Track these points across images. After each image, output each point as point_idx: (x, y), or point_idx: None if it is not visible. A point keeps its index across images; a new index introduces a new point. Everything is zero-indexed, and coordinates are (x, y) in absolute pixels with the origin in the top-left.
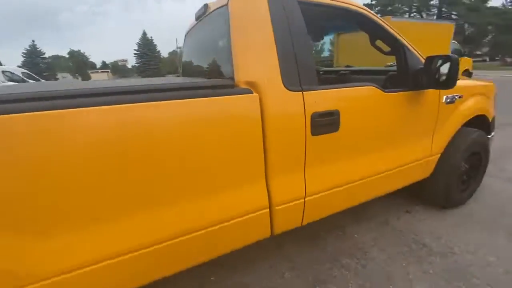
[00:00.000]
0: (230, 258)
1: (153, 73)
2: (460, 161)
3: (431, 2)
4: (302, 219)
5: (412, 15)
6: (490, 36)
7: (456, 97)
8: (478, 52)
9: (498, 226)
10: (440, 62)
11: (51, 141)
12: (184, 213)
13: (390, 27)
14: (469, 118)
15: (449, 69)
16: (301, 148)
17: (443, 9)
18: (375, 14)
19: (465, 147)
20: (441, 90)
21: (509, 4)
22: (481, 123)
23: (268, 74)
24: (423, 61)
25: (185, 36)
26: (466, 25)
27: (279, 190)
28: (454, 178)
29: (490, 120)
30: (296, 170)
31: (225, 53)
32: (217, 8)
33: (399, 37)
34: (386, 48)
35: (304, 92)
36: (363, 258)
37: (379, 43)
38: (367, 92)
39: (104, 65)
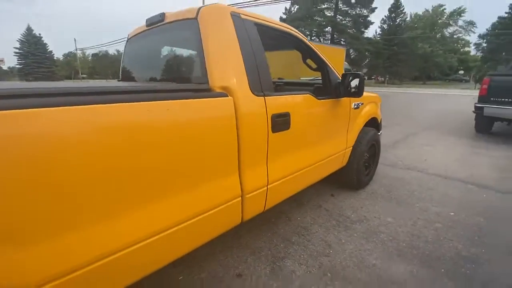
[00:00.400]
0: (193, 256)
1: (44, 76)
2: (364, 151)
3: (326, 29)
4: (265, 205)
5: (312, 38)
6: (367, 60)
7: (360, 104)
8: (360, 72)
9: (390, 198)
10: (351, 78)
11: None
12: (171, 207)
13: (318, 51)
14: (367, 120)
15: (358, 83)
16: (265, 143)
17: (334, 35)
18: (308, 40)
19: (366, 141)
20: (351, 98)
21: (378, 36)
22: (373, 124)
23: (238, 81)
24: (339, 77)
25: (128, 39)
26: (351, 50)
27: (249, 180)
28: (361, 165)
29: (379, 121)
30: (261, 162)
31: (197, 61)
32: (183, 19)
33: (324, 58)
34: (313, 66)
35: (265, 97)
36: (307, 234)
37: (309, 61)
38: (307, 98)
39: None
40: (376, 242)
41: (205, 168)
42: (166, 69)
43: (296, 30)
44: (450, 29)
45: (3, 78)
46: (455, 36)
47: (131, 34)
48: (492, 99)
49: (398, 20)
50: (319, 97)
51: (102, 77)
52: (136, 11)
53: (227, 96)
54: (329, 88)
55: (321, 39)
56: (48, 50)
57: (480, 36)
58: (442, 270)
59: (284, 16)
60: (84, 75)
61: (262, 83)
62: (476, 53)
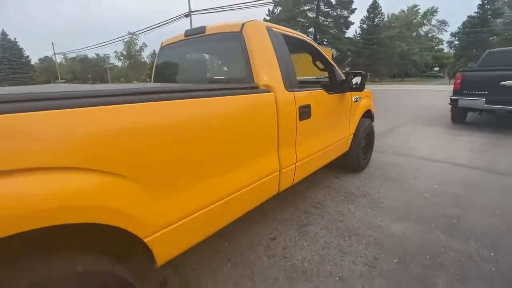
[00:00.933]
0: (232, 230)
1: (21, 82)
2: (362, 138)
3: (309, 30)
4: (293, 179)
5: None
6: (349, 59)
7: (358, 98)
8: (362, 71)
9: (385, 178)
10: (353, 76)
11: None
12: (236, 177)
13: (325, 54)
14: (364, 111)
15: (360, 80)
16: (294, 128)
17: (317, 35)
18: (318, 45)
19: (363, 129)
20: (352, 92)
21: (358, 35)
22: (368, 115)
23: (276, 80)
24: (342, 75)
25: (162, 47)
26: (334, 50)
27: (284, 158)
28: (360, 150)
29: (372, 113)
30: (292, 144)
31: (243, 65)
32: (228, 32)
33: (330, 61)
34: (321, 66)
35: (294, 92)
36: (322, 207)
37: (318, 63)
38: (321, 93)
39: None
40: (379, 209)
41: (256, 146)
42: (212, 71)
43: (308, 37)
44: (425, 28)
45: None
46: (429, 35)
47: (165, 42)
48: (464, 92)
49: (376, 20)
50: (329, 92)
51: (81, 82)
52: (112, 14)
53: (270, 92)
54: (335, 85)
55: None
56: (25, 55)
57: (452, 34)
58: (432, 225)
59: (268, 18)
60: (63, 80)
61: (291, 81)
62: (449, 50)
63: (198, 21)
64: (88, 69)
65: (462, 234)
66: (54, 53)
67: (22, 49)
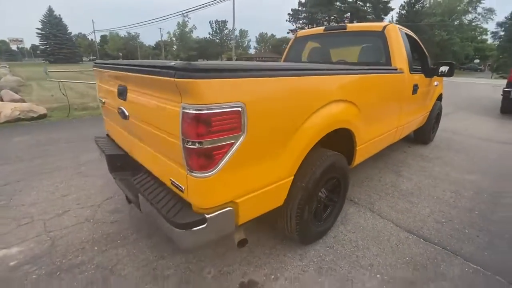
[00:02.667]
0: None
1: (66, 58)
2: (434, 116)
3: (345, 15)
4: (400, 136)
5: (331, 23)
6: None
7: (437, 83)
8: (452, 62)
9: (451, 149)
10: (441, 65)
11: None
12: (386, 124)
13: (422, 46)
14: (439, 94)
15: (449, 68)
16: (409, 99)
17: (354, 22)
18: (419, 41)
19: (436, 108)
20: (433, 78)
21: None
22: (439, 98)
23: (405, 65)
24: (430, 62)
25: (296, 37)
26: None
27: (399, 119)
28: (432, 124)
29: (441, 96)
30: (410, 112)
31: (383, 54)
32: (372, 31)
33: (425, 52)
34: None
35: (412, 74)
36: (406, 163)
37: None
38: (422, 76)
39: None
40: (452, 166)
41: (394, 107)
42: (351, 57)
43: (416, 37)
44: (469, 16)
45: (27, 57)
46: (473, 24)
47: (300, 33)
48: None
49: (417, 6)
50: (426, 76)
51: (111, 59)
52: None
53: (403, 73)
54: (429, 71)
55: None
56: (68, 31)
57: (498, 24)
58: (492, 176)
59: (303, 0)
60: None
61: (410, 67)
62: (493, 41)
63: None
64: (131, 47)
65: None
66: (94, 31)
67: (66, 25)
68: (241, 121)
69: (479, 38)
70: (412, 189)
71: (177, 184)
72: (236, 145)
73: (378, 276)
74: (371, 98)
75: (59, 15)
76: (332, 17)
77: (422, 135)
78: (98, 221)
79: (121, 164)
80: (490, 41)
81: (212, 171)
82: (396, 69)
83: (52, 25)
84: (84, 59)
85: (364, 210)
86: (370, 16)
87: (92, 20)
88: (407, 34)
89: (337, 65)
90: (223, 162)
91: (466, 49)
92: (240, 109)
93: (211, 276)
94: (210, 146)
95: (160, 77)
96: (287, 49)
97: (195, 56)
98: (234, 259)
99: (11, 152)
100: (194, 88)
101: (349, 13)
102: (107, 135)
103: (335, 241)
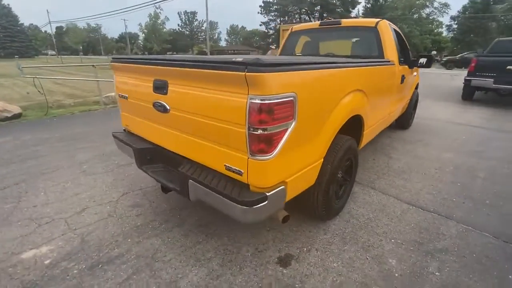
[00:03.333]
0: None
1: (20, 52)
2: (413, 104)
3: (316, 8)
4: (391, 120)
5: (301, 17)
6: None
7: (415, 74)
8: (431, 54)
9: (425, 132)
10: (420, 57)
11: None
12: (386, 108)
13: (405, 40)
14: (417, 83)
15: (427, 60)
16: (397, 88)
17: (324, 14)
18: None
19: (415, 96)
20: (415, 68)
21: (362, 15)
22: (417, 87)
23: (395, 58)
24: (411, 55)
25: (292, 32)
26: None
27: (391, 106)
28: (411, 111)
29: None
30: (394, 98)
31: (376, 48)
32: (365, 26)
33: (407, 45)
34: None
35: (401, 66)
36: (393, 146)
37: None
38: (407, 68)
39: None
40: (431, 147)
41: (389, 94)
42: (345, 51)
43: (399, 30)
44: (427, 10)
45: None
46: (430, 18)
47: (295, 28)
48: (477, 73)
49: (381, 0)
50: (410, 67)
51: (70, 53)
52: None
53: (394, 64)
54: (411, 62)
55: (311, 18)
56: (19, 23)
57: (452, 18)
58: (466, 154)
59: None
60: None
61: (399, 59)
62: (447, 34)
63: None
64: (92, 39)
65: (485, 157)
66: (50, 22)
67: (17, 16)
68: (294, 109)
69: (435, 31)
70: (403, 168)
71: (234, 169)
72: (289, 131)
73: (392, 240)
74: (375, 87)
75: (8, 4)
76: (303, 10)
77: (403, 121)
78: (122, 215)
79: (151, 157)
80: (445, 33)
81: (271, 154)
82: (389, 61)
83: (1, 16)
84: (50, 53)
85: (367, 188)
86: (339, 10)
87: (47, 10)
88: (394, 29)
89: (354, 58)
90: (279, 146)
91: (424, 42)
92: (293, 98)
93: (250, 254)
94: (271, 132)
95: (229, 72)
96: (283, 43)
97: (170, 49)
98: (266, 238)
99: None
100: (261, 80)
101: (319, 6)
102: (125, 130)
103: (350, 216)
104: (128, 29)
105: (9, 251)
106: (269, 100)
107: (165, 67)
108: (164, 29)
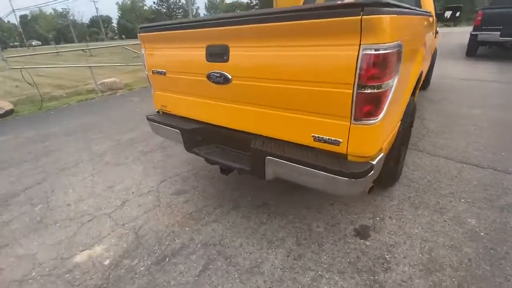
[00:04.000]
0: None
1: None
2: (435, 58)
3: None
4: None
5: None
6: None
7: (438, 30)
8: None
9: (444, 91)
10: (446, 11)
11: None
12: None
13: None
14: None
15: (452, 14)
16: (432, 43)
17: None
18: None
19: (435, 53)
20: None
21: None
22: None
23: (432, 9)
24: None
25: None
26: None
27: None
28: (433, 67)
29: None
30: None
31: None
32: None
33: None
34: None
35: (434, 17)
36: (420, 104)
37: None
38: (436, 21)
39: None
40: (457, 105)
41: (427, 52)
42: None
43: None
44: None
45: None
46: None
47: None
48: (484, 27)
49: None
50: (438, 21)
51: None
52: None
53: (432, 16)
54: (438, 15)
55: None
56: None
57: None
58: (490, 108)
59: None
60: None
61: (434, 11)
62: None
63: None
64: (64, 27)
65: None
66: (13, 10)
67: None
68: (400, 61)
69: None
70: (441, 128)
71: (328, 138)
72: (393, 88)
73: (462, 200)
74: (425, 40)
75: None
76: None
77: (425, 80)
78: (169, 204)
79: (203, 137)
80: None
81: (378, 117)
82: (429, 12)
83: None
84: (34, 43)
85: (414, 151)
86: None
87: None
88: None
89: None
90: (385, 106)
91: None
92: (400, 48)
93: (323, 229)
94: (382, 90)
95: (336, 19)
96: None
97: None
98: (333, 212)
99: (2, 154)
100: (379, 25)
101: None
102: (159, 111)
103: (408, 180)
104: (99, 12)
105: (58, 256)
106: (385, 49)
107: (225, 27)
108: (145, 7)
